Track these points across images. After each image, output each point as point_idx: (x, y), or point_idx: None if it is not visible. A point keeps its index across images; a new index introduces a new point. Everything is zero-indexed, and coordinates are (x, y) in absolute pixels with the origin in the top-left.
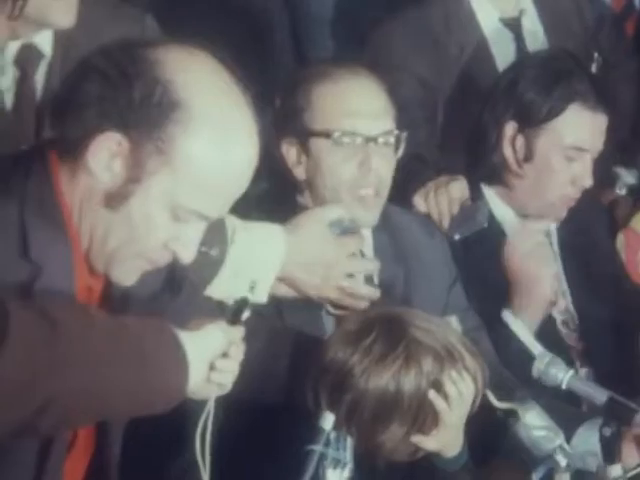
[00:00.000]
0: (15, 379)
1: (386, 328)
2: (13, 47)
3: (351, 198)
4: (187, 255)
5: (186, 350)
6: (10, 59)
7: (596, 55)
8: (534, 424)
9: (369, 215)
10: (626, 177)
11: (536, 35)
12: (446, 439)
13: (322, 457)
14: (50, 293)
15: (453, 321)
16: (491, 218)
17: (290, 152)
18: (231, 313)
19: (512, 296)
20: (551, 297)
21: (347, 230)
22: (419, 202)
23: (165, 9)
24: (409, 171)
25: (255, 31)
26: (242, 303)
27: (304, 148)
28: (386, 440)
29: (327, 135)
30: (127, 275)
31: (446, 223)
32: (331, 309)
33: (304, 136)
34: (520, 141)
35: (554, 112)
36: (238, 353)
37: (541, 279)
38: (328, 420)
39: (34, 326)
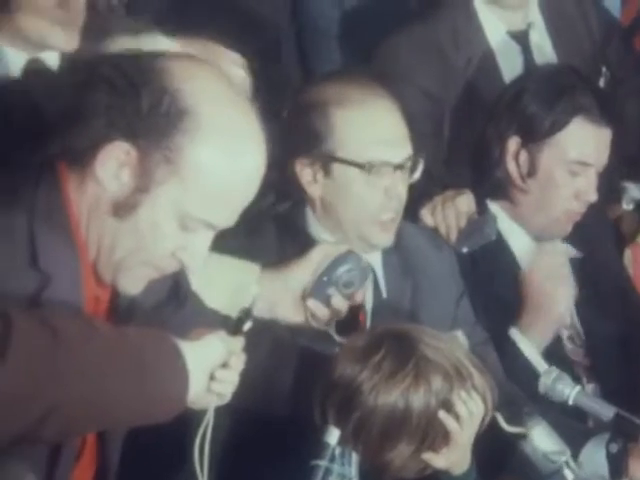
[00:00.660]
0: (18, 388)
1: (395, 345)
2: (20, 60)
3: (372, 222)
4: (195, 264)
5: (186, 360)
6: (17, 72)
7: (604, 69)
8: (541, 440)
9: (387, 238)
10: (633, 192)
11: (544, 48)
12: (455, 457)
13: (327, 472)
14: (58, 302)
15: (459, 336)
16: (497, 233)
17: (305, 171)
18: (233, 323)
19: (524, 314)
20: (565, 318)
21: (351, 283)
22: (426, 216)
23: (172, 23)
24: (415, 186)
25: (262, 45)
26: (245, 314)
27: (324, 170)
28: (394, 458)
29: (356, 164)
30: (134, 284)
31: (454, 236)
32: (315, 323)
33: (326, 160)
34: (523, 156)
35: (557, 126)
36: (238, 363)
37: (558, 299)
38: (333, 435)
39: (36, 336)
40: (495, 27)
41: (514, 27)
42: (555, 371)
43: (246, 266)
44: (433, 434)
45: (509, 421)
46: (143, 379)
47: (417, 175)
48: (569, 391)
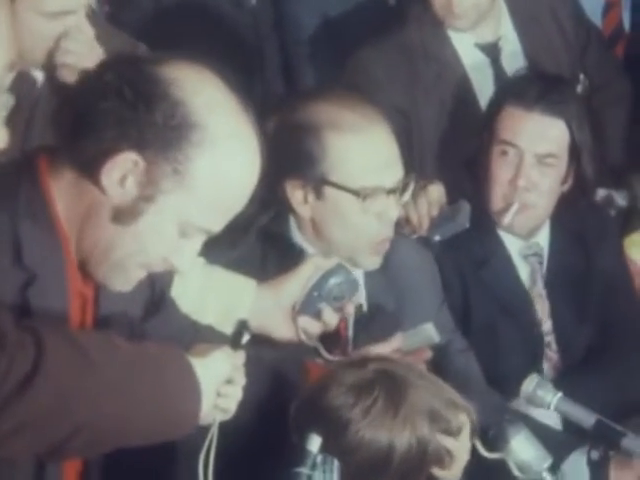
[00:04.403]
0: (49, 407)
1: (386, 389)
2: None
3: (363, 246)
4: (185, 267)
5: (198, 377)
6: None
7: (582, 77)
8: (522, 448)
9: (376, 260)
10: (616, 199)
11: (517, 61)
12: (457, 471)
13: None
14: (44, 299)
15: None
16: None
17: (295, 193)
18: (232, 337)
19: None
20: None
21: (338, 297)
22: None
23: (153, 34)
24: None
25: (245, 55)
26: (241, 326)
27: (316, 193)
28: None
29: (349, 190)
30: (126, 283)
31: (426, 225)
32: (305, 338)
33: (318, 184)
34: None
35: (492, 112)
36: (241, 378)
37: None
38: (315, 442)
39: (67, 356)
40: (463, 40)
41: (482, 39)
42: (536, 378)
43: (243, 281)
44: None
45: (490, 430)
46: (162, 397)
47: (407, 197)
48: (550, 398)
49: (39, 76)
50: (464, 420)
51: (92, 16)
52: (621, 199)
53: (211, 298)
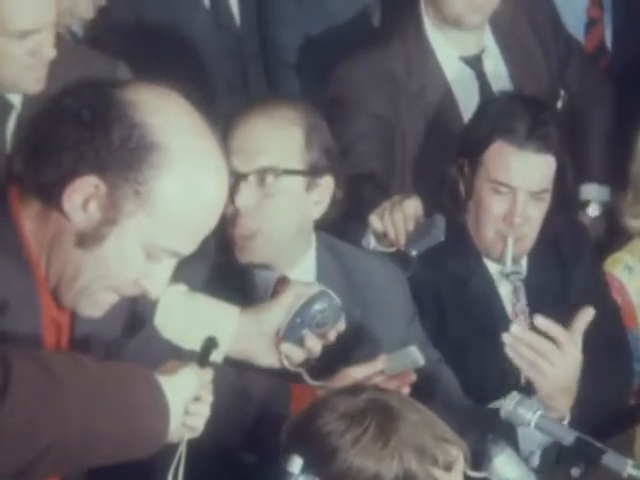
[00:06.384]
0: (17, 428)
1: (377, 420)
2: None
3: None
4: (156, 291)
5: (166, 395)
6: None
7: (562, 92)
8: (505, 466)
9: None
10: (600, 195)
11: (499, 73)
12: None
13: None
14: (16, 328)
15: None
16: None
17: None
18: (199, 355)
19: None
20: None
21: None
22: (375, 221)
23: (137, 54)
24: (364, 196)
25: (230, 79)
26: (209, 343)
27: None
28: None
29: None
30: (96, 308)
31: (402, 239)
32: (288, 365)
33: None
34: (466, 176)
35: (480, 146)
36: (209, 396)
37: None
38: (296, 464)
39: (34, 376)
40: (447, 53)
41: (466, 52)
42: (517, 396)
43: (225, 308)
44: None
45: (472, 447)
46: (130, 415)
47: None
48: (531, 415)
49: (16, 100)
50: (456, 456)
51: (69, 38)
52: (604, 194)
53: (194, 325)
